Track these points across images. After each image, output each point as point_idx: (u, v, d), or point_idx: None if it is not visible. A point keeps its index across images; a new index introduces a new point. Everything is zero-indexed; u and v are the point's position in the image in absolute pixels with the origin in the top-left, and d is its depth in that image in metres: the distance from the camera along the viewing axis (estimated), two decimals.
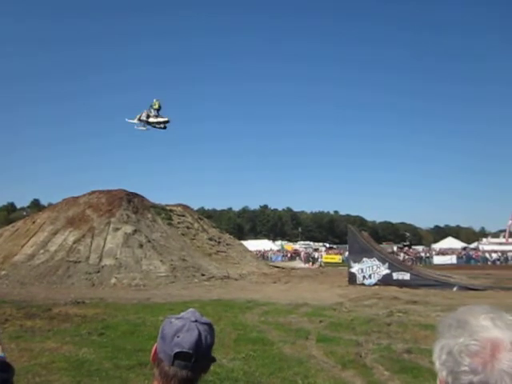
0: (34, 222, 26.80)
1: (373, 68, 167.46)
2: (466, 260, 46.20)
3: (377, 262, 20.17)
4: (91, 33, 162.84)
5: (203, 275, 22.28)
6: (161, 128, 24.65)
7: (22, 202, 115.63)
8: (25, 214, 69.10)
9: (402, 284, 19.01)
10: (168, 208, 30.63)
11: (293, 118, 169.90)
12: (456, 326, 0.85)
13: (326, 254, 53.48)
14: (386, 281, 19.64)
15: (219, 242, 30.19)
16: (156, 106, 24.40)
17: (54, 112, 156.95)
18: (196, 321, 1.27)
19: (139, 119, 24.65)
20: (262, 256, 48.77)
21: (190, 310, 1.33)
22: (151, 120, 24.38)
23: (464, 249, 58.41)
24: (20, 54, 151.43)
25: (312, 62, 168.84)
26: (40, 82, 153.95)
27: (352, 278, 20.49)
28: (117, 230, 23.85)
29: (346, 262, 31.05)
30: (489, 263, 44.85)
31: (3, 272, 21.15)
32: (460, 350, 0.81)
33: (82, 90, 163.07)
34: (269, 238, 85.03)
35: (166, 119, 24.58)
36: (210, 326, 1.29)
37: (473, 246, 64.36)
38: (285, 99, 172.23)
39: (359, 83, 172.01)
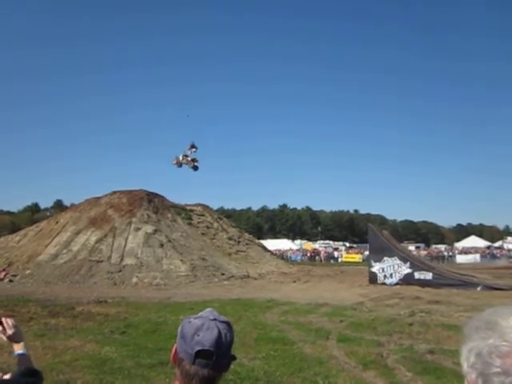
0: (57, 222, 27.33)
1: (393, 72, 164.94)
2: (491, 259, 45.26)
3: (398, 261, 19.91)
4: (95, 30, 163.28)
5: (223, 275, 22.36)
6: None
7: (45, 203, 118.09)
8: (48, 214, 70.52)
9: (423, 283, 18.72)
10: (188, 208, 30.85)
11: (313, 118, 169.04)
12: (485, 327, 0.83)
13: (346, 253, 53.12)
14: (407, 280, 19.38)
15: (239, 242, 30.25)
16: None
17: (74, 110, 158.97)
18: (215, 319, 1.27)
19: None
20: (282, 255, 48.61)
21: (208, 309, 1.33)
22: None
23: (488, 247, 57.24)
24: (36, 50, 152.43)
25: (330, 64, 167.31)
26: (57, 77, 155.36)
27: (373, 278, 20.27)
28: (138, 229, 24.13)
29: (366, 262, 30.75)
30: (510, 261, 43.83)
31: (28, 271, 21.63)
32: (490, 351, 0.79)
33: (102, 86, 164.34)
34: (288, 238, 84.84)
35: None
36: (228, 324, 1.30)
37: (497, 244, 63.04)
38: (303, 99, 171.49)
39: (379, 86, 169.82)
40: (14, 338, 1.81)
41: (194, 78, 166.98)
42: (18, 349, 1.79)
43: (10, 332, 1.80)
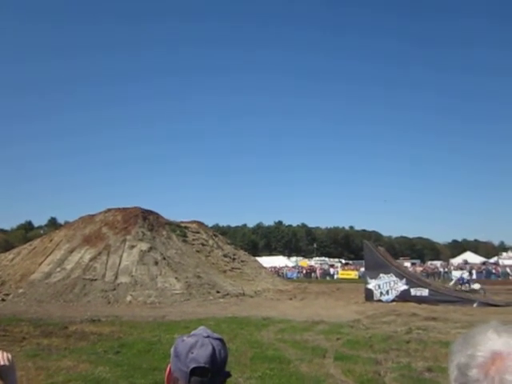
0: (51, 240, 27.13)
1: (389, 84, 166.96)
2: (486, 275, 45.20)
3: (394, 278, 19.86)
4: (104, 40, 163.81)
5: (218, 292, 22.19)
6: None
7: (39, 221, 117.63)
8: (42, 232, 70.07)
9: (420, 300, 18.65)
10: (183, 225, 30.76)
11: (307, 134, 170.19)
12: (464, 341, 0.86)
13: (342, 270, 52.90)
14: (403, 297, 19.31)
15: (234, 259, 30.12)
16: None
17: (69, 126, 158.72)
18: (208, 336, 1.26)
19: None
20: (277, 272, 48.38)
21: (201, 327, 1.32)
22: None
23: (483, 263, 57.22)
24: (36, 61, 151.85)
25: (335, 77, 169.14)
26: (52, 92, 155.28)
27: (369, 295, 20.18)
28: (132, 247, 23.99)
29: (362, 278, 30.65)
30: (510, 278, 43.79)
31: (21, 290, 21.36)
32: (467, 362, 0.82)
33: (97, 101, 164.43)
34: (284, 255, 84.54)
35: None
36: (222, 340, 1.28)
37: (493, 260, 63.05)
38: (298, 114, 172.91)
39: (374, 100, 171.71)
40: (2, 373, 1.71)
41: (189, 91, 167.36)
42: None
43: (1, 363, 1.71)
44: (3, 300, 20.36)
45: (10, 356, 1.72)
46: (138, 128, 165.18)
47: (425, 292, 19.17)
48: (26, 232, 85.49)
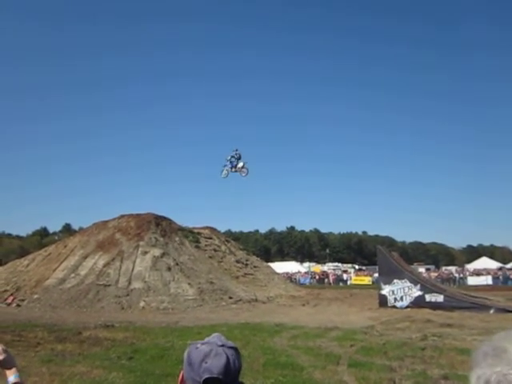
0: (65, 247, 27.40)
1: (403, 92, 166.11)
2: (503, 281, 44.44)
3: (408, 284, 19.63)
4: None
5: (231, 298, 22.16)
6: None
7: (54, 227, 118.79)
8: (57, 238, 70.90)
9: (435, 306, 18.39)
10: (195, 231, 30.83)
11: (319, 139, 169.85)
12: (493, 354, 0.80)
13: (356, 276, 52.56)
14: (418, 303, 19.06)
15: (246, 265, 30.08)
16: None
17: (83, 130, 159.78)
18: (223, 345, 1.25)
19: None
20: (290, 278, 48.21)
21: (215, 334, 1.31)
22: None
23: (500, 269, 56.27)
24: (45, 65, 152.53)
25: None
26: (65, 94, 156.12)
27: (383, 301, 19.98)
28: (145, 253, 24.10)
29: (376, 284, 30.36)
30: None
31: (35, 296, 21.59)
32: (498, 380, 0.77)
33: (109, 104, 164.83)
34: (296, 260, 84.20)
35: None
36: (236, 350, 1.27)
37: (509, 265, 61.98)
38: (310, 120, 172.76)
39: (389, 106, 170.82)
40: (4, 365, 1.71)
41: (200, 94, 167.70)
42: (10, 375, 1.71)
43: (0, 358, 1.72)
44: (18, 306, 20.61)
45: (2, 346, 1.72)
46: (151, 132, 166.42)
47: (440, 298, 18.91)
48: (42, 238, 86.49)
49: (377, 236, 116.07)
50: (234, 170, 25.12)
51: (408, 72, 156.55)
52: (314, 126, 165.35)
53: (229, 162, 25.42)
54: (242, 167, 25.41)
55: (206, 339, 1.28)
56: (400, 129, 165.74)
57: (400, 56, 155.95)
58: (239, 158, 25.47)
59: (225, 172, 25.64)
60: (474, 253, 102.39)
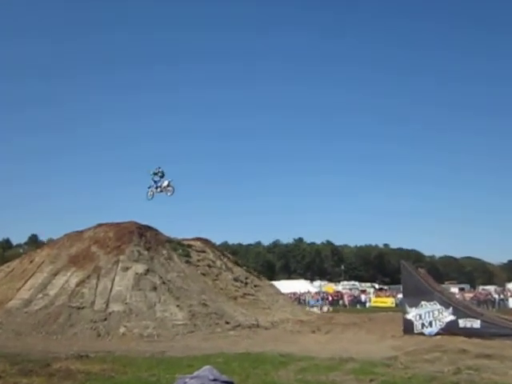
0: (31, 262, 27.40)
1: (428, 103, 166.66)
2: None
3: (438, 307, 19.59)
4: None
5: (228, 323, 22.12)
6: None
7: (18, 238, 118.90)
8: (21, 251, 70.92)
9: (470, 333, 18.33)
10: (186, 243, 30.82)
11: (334, 135, 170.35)
12: None
13: (376, 297, 52.47)
14: (450, 329, 19.00)
15: (246, 283, 30.04)
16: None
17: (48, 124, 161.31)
18: (215, 380, 1.25)
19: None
20: (298, 300, 48.14)
21: (207, 367, 1.31)
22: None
23: None
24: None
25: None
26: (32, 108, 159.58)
27: (408, 327, 19.94)
28: (126, 269, 24.09)
29: (399, 307, 30.28)
30: None
31: None
32: None
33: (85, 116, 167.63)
34: (305, 278, 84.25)
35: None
36: None
37: None
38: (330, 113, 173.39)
39: (399, 114, 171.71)
40: None
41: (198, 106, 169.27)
42: None
43: None
44: None
45: None
46: (132, 123, 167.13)
47: (476, 323, 18.84)
48: (3, 251, 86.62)
49: (400, 249, 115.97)
50: (159, 189, 26.61)
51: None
52: (336, 118, 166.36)
53: (153, 182, 26.81)
54: (168, 186, 26.80)
55: (196, 373, 1.29)
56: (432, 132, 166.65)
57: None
58: (162, 176, 26.92)
59: (150, 193, 27.18)
60: None
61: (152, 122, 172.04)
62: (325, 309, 40.85)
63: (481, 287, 70.14)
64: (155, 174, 26.42)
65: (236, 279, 29.57)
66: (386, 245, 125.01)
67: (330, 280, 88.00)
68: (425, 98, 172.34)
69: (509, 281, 78.15)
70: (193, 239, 32.32)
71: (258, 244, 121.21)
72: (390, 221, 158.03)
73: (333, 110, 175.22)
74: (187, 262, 28.19)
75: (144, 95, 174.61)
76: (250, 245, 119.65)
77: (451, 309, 19.48)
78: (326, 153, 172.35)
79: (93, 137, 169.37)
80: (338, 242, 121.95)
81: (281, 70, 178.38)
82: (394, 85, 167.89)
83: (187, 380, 1.23)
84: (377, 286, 73.34)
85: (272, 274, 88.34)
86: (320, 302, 50.01)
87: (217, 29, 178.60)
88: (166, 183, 26.45)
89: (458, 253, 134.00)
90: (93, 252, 25.91)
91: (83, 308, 21.61)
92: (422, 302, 19.88)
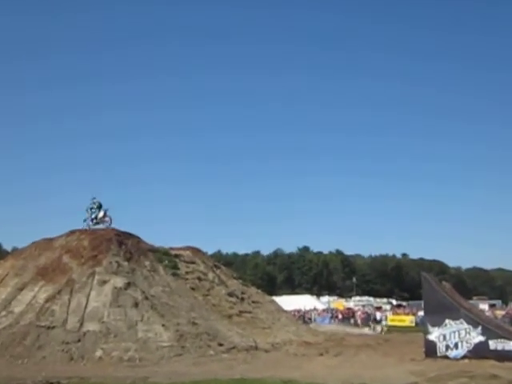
0: None
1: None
2: None
3: (465, 326, 19.58)
4: None
5: (221, 345, 22.09)
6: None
7: None
8: None
9: (502, 356, 18.32)
10: (173, 252, 30.79)
11: (344, 128, 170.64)
12: None
13: (393, 315, 52.43)
14: (479, 352, 18.98)
15: (243, 299, 30.01)
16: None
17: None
18: None
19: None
20: (303, 318, 48.13)
21: None
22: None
23: None
24: None
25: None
26: None
27: (430, 349, 19.92)
28: (104, 283, 24.02)
29: (420, 326, 30.28)
30: None
31: None
32: None
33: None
34: (311, 293, 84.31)
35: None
36: None
37: None
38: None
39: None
40: None
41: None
42: None
43: None
44: None
45: None
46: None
47: (509, 345, 18.82)
48: None
49: (422, 260, 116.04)
50: (95, 221, 29.53)
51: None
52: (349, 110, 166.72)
53: (89, 215, 29.52)
54: (104, 216, 29.44)
55: None
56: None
57: None
58: (100, 207, 29.55)
59: (85, 227, 29.40)
60: None
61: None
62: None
63: None
64: (91, 208, 29.25)
65: (231, 294, 29.53)
66: (404, 255, 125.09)
67: (340, 295, 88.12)
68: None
69: None
70: (181, 248, 32.28)
71: (257, 254, 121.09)
72: (409, 227, 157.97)
73: (341, 103, 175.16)
74: (174, 274, 28.14)
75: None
76: (247, 255, 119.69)
77: (480, 328, 19.46)
78: (333, 150, 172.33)
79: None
80: (348, 252, 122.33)
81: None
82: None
83: None
84: (394, 302, 73.39)
85: (273, 288, 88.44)
86: (328, 320, 50.03)
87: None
88: (101, 214, 29.12)
89: (487, 264, 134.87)
90: (65, 263, 25.84)
91: (53, 328, 21.52)
92: (447, 321, 19.87)
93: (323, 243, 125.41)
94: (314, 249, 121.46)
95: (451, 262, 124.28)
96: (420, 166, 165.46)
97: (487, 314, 36.20)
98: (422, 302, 23.23)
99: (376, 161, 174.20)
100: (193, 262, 30.86)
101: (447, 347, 19.76)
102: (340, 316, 51.87)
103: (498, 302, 72.38)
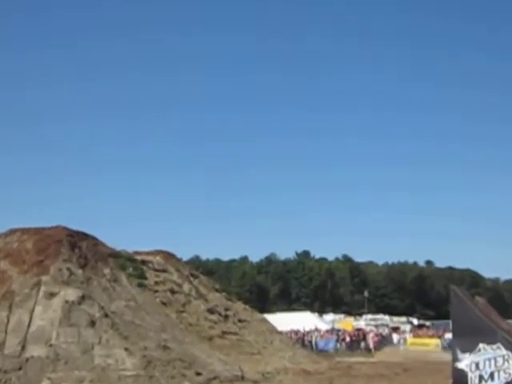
0: None
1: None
2: None
3: (504, 352, 19.60)
4: None
5: (199, 374, 22.12)
6: None
7: None
8: None
9: None
10: (139, 258, 30.75)
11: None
12: None
13: (413, 337, 52.73)
14: None
15: (226, 317, 30.05)
16: None
17: None
18: None
19: None
20: (302, 340, 48.27)
21: None
22: None
23: None
24: None
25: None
26: None
27: (460, 379, 19.93)
28: (51, 296, 23.96)
29: (447, 351, 30.43)
30: None
31: None
32: None
33: None
34: (312, 310, 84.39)
35: None
36: None
37: None
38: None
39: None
40: None
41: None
42: None
43: None
44: None
45: None
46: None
47: None
48: None
49: (450, 269, 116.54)
50: None
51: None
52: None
53: None
54: None
55: None
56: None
57: None
58: None
59: None
60: None
61: None
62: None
63: None
64: None
65: (211, 311, 29.55)
66: (428, 262, 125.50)
67: (348, 312, 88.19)
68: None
69: None
70: (149, 253, 32.24)
71: (245, 260, 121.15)
72: (435, 227, 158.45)
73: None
74: (141, 285, 28.12)
75: None
76: (232, 261, 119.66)
77: None
78: (340, 133, 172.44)
79: None
80: (359, 258, 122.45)
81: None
82: None
83: None
84: (415, 322, 73.57)
85: (264, 303, 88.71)
86: (332, 343, 50.18)
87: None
88: None
89: None
90: (2, 270, 25.75)
91: None
92: (481, 345, 19.91)
93: (327, 247, 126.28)
94: (316, 254, 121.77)
95: (487, 273, 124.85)
96: (443, 155, 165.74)
97: None
98: (450, 322, 23.34)
99: (390, 146, 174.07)
100: (164, 271, 30.83)
101: (481, 378, 19.83)
102: (348, 339, 52.04)
103: None
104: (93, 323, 23.06)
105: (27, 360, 21.15)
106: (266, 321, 35.37)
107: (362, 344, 49.46)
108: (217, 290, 33.53)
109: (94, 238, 29.68)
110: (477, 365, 20.87)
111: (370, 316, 77.59)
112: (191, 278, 32.26)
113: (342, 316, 79.46)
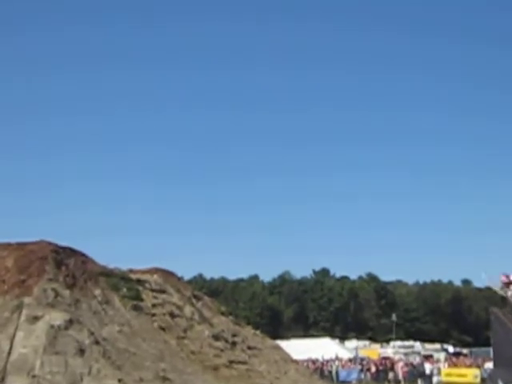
0: None
1: None
2: None
3: None
4: None
5: None
6: None
7: None
8: None
9: None
10: (134, 277, 30.77)
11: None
12: None
13: (449, 367, 52.51)
14: None
15: (234, 344, 30.03)
16: None
17: None
18: None
19: None
20: (321, 370, 48.24)
21: None
22: None
23: None
24: None
25: None
26: None
27: None
28: (35, 319, 24.01)
29: (488, 383, 30.41)
30: None
31: None
32: None
33: None
34: (333, 335, 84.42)
35: None
36: None
37: None
38: None
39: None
40: None
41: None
42: None
43: None
44: None
45: None
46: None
47: None
48: None
49: (491, 289, 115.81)
50: None
51: None
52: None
53: None
54: None
55: None
56: None
57: None
58: None
59: None
60: None
61: None
62: None
63: None
64: None
65: (217, 337, 29.54)
66: (465, 282, 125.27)
67: (374, 339, 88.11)
68: None
69: None
70: (146, 271, 32.27)
71: (254, 279, 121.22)
72: (473, 241, 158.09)
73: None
74: (136, 308, 28.14)
75: None
76: (240, 280, 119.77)
77: None
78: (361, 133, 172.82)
79: None
80: (385, 277, 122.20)
81: None
82: None
83: None
84: (450, 349, 73.43)
85: (277, 328, 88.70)
86: (356, 373, 50.08)
87: None
88: None
89: None
90: None
91: None
92: None
93: (349, 265, 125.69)
94: (337, 273, 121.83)
95: None
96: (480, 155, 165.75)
97: None
98: (491, 350, 23.35)
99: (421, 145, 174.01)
100: (163, 291, 30.86)
101: None
102: (374, 368, 51.97)
103: None
104: (81, 351, 23.08)
105: None
106: (279, 348, 35.32)
107: (390, 375, 49.36)
108: (223, 314, 33.50)
109: (83, 255, 29.67)
110: None
111: (398, 343, 77.46)
112: (193, 300, 32.26)
113: (366, 343, 79.41)
